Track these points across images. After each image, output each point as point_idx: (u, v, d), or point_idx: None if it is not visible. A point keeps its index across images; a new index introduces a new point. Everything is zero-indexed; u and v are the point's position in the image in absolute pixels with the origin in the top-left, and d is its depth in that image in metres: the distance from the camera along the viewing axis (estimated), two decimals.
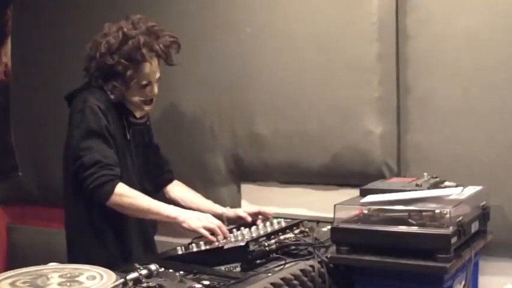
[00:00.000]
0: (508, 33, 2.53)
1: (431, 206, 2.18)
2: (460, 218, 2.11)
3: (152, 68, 2.47)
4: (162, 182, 2.75)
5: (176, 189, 2.76)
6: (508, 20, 2.53)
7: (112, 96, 2.47)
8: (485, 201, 2.42)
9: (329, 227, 2.29)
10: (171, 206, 2.39)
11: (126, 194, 2.33)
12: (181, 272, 2.05)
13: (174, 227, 2.36)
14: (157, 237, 2.70)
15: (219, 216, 2.50)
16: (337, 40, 2.83)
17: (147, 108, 2.55)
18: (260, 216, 2.59)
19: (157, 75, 2.52)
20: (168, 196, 2.73)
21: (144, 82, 2.47)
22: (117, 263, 2.28)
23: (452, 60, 2.65)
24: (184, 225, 2.30)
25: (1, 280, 1.64)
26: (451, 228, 2.04)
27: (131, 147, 2.56)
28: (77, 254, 2.50)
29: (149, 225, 2.60)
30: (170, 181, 2.77)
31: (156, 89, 2.53)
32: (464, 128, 2.63)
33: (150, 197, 2.40)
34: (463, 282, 2.23)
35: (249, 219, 2.57)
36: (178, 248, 2.32)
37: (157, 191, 2.69)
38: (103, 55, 2.42)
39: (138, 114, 2.55)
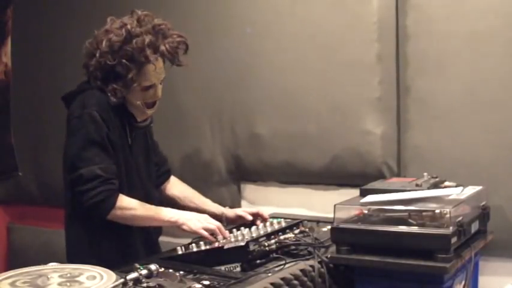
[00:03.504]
0: (508, 33, 2.53)
1: (431, 206, 2.18)
2: (460, 218, 2.11)
3: (156, 69, 2.32)
4: (160, 181, 2.70)
5: (173, 187, 2.71)
6: (508, 20, 2.53)
7: (113, 99, 2.32)
8: (485, 201, 2.42)
9: (329, 227, 2.29)
10: (170, 210, 2.36)
11: (126, 207, 2.28)
12: (181, 272, 2.05)
13: (174, 229, 2.35)
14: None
15: (218, 217, 2.50)
16: (337, 40, 2.83)
17: (149, 111, 2.41)
18: (258, 217, 2.57)
19: (162, 76, 2.38)
20: (166, 194, 2.68)
21: (147, 84, 2.34)
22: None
23: (452, 60, 2.65)
24: (184, 227, 2.29)
25: (1, 280, 1.64)
26: (451, 228, 2.05)
27: (133, 151, 2.46)
28: (75, 257, 2.41)
29: (152, 230, 2.56)
30: (167, 179, 2.73)
31: (159, 92, 2.39)
32: (464, 128, 2.63)
33: (150, 197, 2.40)
34: (463, 282, 2.23)
35: (249, 217, 2.56)
36: (178, 248, 2.32)
37: (156, 189, 2.65)
38: (104, 54, 2.28)
39: (139, 118, 2.43)
